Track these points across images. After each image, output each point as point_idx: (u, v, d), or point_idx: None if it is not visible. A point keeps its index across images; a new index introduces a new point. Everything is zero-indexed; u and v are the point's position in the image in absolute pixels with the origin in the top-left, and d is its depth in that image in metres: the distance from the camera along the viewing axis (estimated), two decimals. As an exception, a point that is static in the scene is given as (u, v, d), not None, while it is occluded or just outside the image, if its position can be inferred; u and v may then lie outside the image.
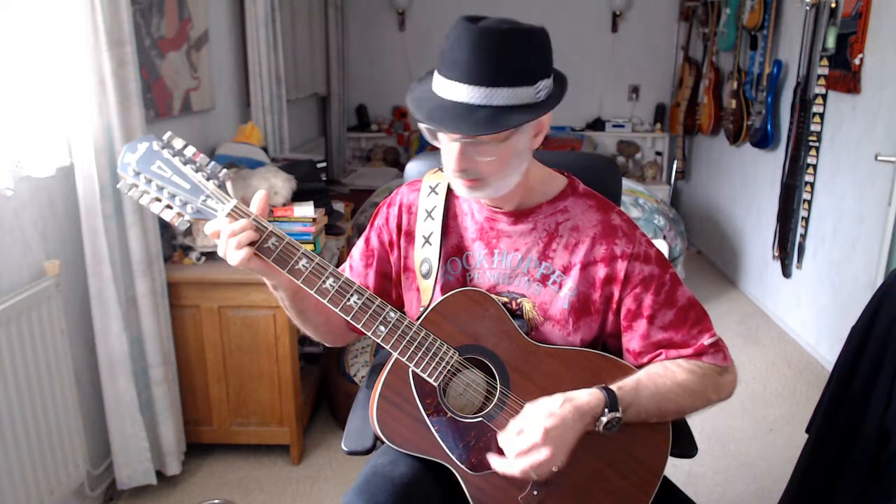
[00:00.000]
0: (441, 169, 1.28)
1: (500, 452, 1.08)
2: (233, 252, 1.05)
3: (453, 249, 1.23)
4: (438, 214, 1.22)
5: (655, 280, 1.16)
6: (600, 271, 1.17)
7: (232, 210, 1.05)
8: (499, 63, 1.01)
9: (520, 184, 1.14)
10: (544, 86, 1.05)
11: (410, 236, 1.26)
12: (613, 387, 1.09)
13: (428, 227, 1.23)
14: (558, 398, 1.06)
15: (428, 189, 1.26)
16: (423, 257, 1.22)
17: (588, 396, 1.07)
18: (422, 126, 1.08)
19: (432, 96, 1.06)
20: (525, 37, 1.02)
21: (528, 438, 1.02)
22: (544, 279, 1.18)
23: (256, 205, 1.08)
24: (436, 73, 1.08)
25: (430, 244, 1.22)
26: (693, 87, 4.79)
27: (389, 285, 1.31)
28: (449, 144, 1.07)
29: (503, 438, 1.06)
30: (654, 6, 5.18)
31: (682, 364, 1.16)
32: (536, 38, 1.04)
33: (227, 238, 1.04)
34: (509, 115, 1.02)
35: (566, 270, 1.18)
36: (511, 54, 1.01)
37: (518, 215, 1.19)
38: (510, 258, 1.19)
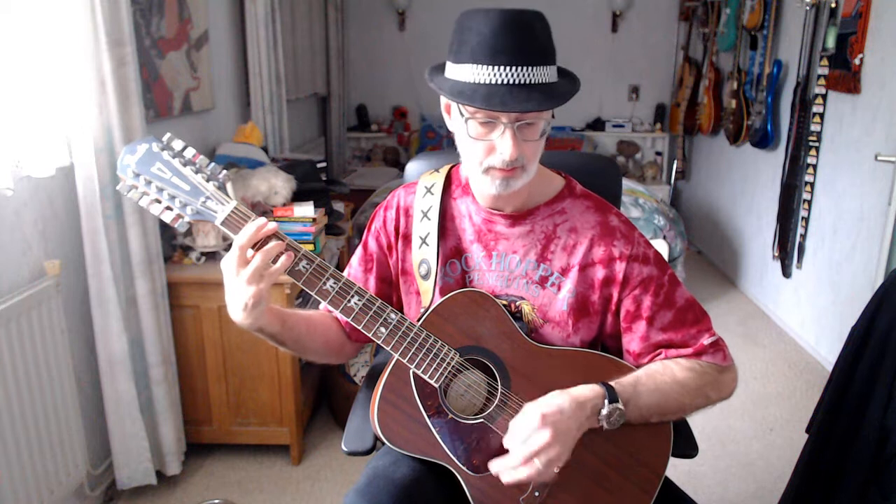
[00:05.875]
0: (438, 170, 1.27)
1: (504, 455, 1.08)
2: (255, 278, 1.02)
3: (452, 251, 1.22)
4: (434, 214, 1.21)
5: (654, 281, 1.16)
6: (599, 273, 1.17)
7: (232, 211, 1.05)
8: (539, 43, 1.04)
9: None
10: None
11: (408, 239, 1.25)
12: (612, 382, 1.09)
13: (424, 228, 1.22)
14: (555, 392, 1.06)
15: (424, 190, 1.25)
16: (421, 258, 1.21)
17: (585, 389, 1.07)
18: (460, 122, 1.07)
19: (473, 86, 1.03)
20: (543, 19, 1.07)
21: (526, 425, 1.02)
22: (543, 281, 1.18)
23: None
24: (462, 65, 1.05)
25: (427, 244, 1.21)
26: (693, 87, 4.79)
27: (390, 289, 1.31)
28: (503, 133, 1.05)
29: (507, 439, 1.05)
30: (654, 6, 5.17)
31: (682, 362, 1.15)
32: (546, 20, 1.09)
33: (258, 266, 1.02)
34: (556, 88, 1.05)
35: (564, 272, 1.17)
36: (544, 35, 1.05)
37: (516, 217, 1.19)
38: (508, 260, 1.19)
